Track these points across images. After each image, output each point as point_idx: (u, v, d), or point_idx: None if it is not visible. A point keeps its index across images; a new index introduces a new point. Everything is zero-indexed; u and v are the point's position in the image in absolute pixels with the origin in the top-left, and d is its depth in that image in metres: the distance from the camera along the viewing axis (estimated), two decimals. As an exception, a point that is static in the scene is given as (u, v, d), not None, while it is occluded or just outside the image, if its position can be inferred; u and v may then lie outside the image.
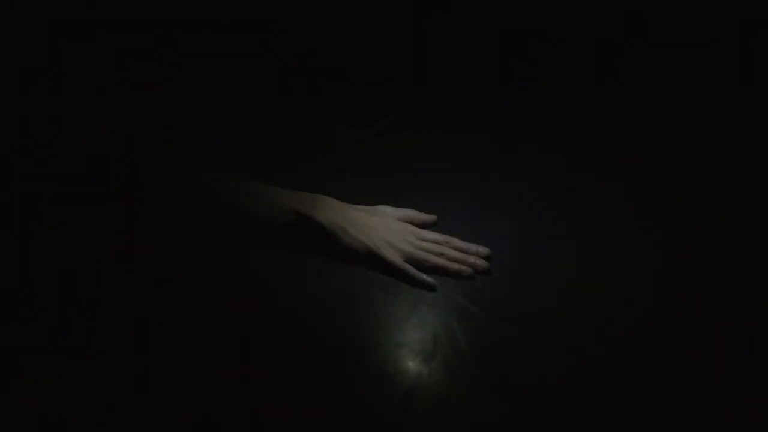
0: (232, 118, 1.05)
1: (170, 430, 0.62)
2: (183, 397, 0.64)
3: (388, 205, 0.86)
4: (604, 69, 1.19)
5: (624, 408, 0.64)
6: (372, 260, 0.80)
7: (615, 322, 0.74)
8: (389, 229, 0.81)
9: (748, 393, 0.66)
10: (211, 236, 0.83)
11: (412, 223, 0.85)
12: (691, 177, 1.01)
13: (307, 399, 0.65)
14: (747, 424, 0.63)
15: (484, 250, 0.82)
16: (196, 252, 0.82)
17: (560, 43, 1.18)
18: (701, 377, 0.67)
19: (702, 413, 0.64)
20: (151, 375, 0.66)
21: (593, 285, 0.80)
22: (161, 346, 0.69)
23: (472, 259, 0.80)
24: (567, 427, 0.63)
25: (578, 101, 1.19)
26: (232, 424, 0.62)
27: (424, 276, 0.78)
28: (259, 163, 0.94)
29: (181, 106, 0.97)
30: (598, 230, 0.90)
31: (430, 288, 0.78)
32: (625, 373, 0.68)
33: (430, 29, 1.15)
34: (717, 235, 0.89)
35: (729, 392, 0.66)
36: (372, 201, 0.86)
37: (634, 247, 0.86)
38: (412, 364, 0.68)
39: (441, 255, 0.80)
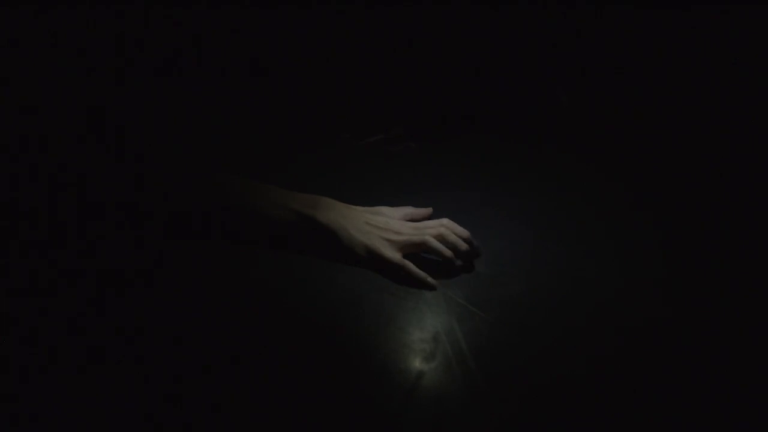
0: (233, 119, 1.05)
1: (172, 429, 0.62)
2: (184, 397, 0.64)
3: (388, 205, 0.86)
4: (605, 68, 1.19)
5: (625, 409, 0.64)
6: (372, 260, 0.80)
7: (617, 323, 0.74)
8: (388, 228, 0.81)
9: (753, 395, 0.66)
10: (212, 236, 0.83)
11: (411, 219, 0.85)
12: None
13: (309, 398, 0.65)
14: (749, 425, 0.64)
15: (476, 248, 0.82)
16: (197, 252, 0.82)
17: (560, 44, 1.18)
18: (706, 380, 0.67)
19: (704, 415, 0.64)
20: (151, 375, 0.66)
21: (594, 285, 0.80)
22: (161, 346, 0.69)
23: (464, 247, 0.81)
24: (567, 427, 0.63)
25: (580, 101, 1.19)
26: (234, 421, 0.62)
27: (425, 275, 0.78)
28: (259, 163, 0.94)
29: (180, 106, 0.97)
30: (601, 231, 0.90)
31: (430, 287, 0.78)
32: (627, 373, 0.68)
33: (431, 30, 1.15)
34: (719, 235, 0.89)
35: (734, 396, 0.66)
36: (372, 201, 0.86)
37: (638, 249, 0.86)
38: (412, 364, 0.68)
39: (438, 236, 0.80)
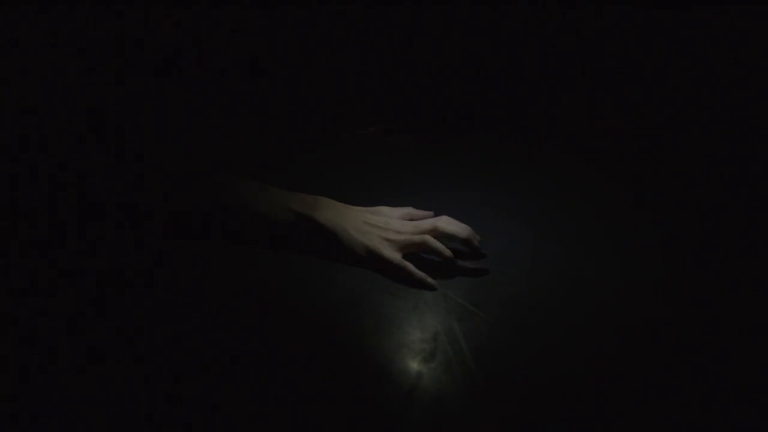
0: (233, 119, 1.05)
1: (172, 429, 0.62)
2: (184, 397, 0.64)
3: (388, 205, 0.86)
4: (605, 68, 1.19)
5: (625, 409, 0.64)
6: (372, 260, 0.80)
7: (617, 323, 0.74)
8: (388, 227, 0.81)
9: (753, 395, 0.66)
10: (212, 236, 0.83)
11: (411, 219, 0.85)
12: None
13: (309, 398, 0.65)
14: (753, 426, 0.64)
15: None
16: (197, 252, 0.82)
17: (560, 44, 1.18)
18: (706, 380, 0.67)
19: (704, 415, 0.64)
20: (151, 375, 0.66)
21: (594, 285, 0.79)
22: (161, 346, 0.69)
23: (465, 233, 0.81)
24: (567, 427, 0.63)
25: (580, 101, 1.19)
26: (234, 421, 0.62)
27: (425, 275, 0.78)
28: (259, 163, 0.94)
29: (180, 106, 0.97)
30: (601, 231, 0.90)
31: (430, 288, 0.78)
32: (627, 373, 0.68)
33: (431, 30, 1.15)
34: (719, 235, 0.89)
35: (734, 396, 0.66)
36: (372, 201, 0.86)
37: (638, 249, 0.86)
38: (412, 364, 0.68)
39: (435, 229, 0.81)
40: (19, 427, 0.62)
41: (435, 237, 0.81)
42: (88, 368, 0.66)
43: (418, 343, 0.71)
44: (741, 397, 0.65)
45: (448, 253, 0.80)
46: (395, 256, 0.79)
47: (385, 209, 0.85)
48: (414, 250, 0.81)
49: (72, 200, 0.81)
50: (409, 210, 0.85)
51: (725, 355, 0.70)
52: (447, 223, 0.81)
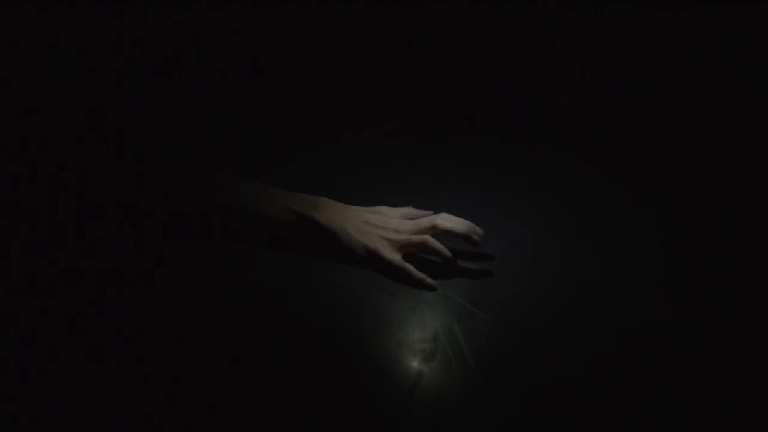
0: (233, 119, 1.05)
1: (172, 429, 0.62)
2: (184, 397, 0.64)
3: (388, 205, 0.86)
4: (605, 68, 1.19)
5: (625, 409, 0.64)
6: (371, 261, 0.80)
7: (617, 323, 0.74)
8: (387, 227, 0.81)
9: (753, 395, 0.66)
10: (212, 236, 0.83)
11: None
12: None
13: (309, 398, 0.65)
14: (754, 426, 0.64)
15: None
16: (197, 252, 0.82)
17: (560, 44, 1.18)
18: (706, 380, 0.67)
19: (704, 415, 0.64)
20: (151, 375, 0.66)
21: (594, 285, 0.79)
22: (161, 346, 0.69)
23: (464, 228, 0.81)
24: (567, 427, 0.63)
25: (580, 101, 1.19)
26: (234, 421, 0.62)
27: (425, 275, 0.78)
28: (259, 163, 0.94)
29: (180, 106, 0.97)
30: (601, 231, 0.90)
31: (430, 288, 0.78)
32: (627, 373, 0.68)
33: (431, 30, 1.15)
34: (719, 235, 0.89)
35: (734, 396, 0.66)
36: (372, 201, 0.86)
37: (638, 249, 0.86)
38: (412, 364, 0.68)
39: (434, 227, 0.81)
40: (19, 427, 0.62)
41: (435, 234, 0.81)
42: (88, 368, 0.66)
43: (418, 343, 0.71)
44: (741, 397, 0.65)
45: (447, 253, 0.80)
46: (395, 256, 0.79)
47: (385, 209, 0.85)
48: (414, 251, 0.81)
49: (72, 200, 0.81)
50: (409, 210, 0.85)
51: (725, 355, 0.70)
52: (446, 220, 0.81)
